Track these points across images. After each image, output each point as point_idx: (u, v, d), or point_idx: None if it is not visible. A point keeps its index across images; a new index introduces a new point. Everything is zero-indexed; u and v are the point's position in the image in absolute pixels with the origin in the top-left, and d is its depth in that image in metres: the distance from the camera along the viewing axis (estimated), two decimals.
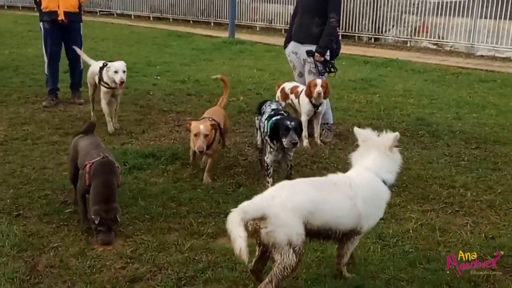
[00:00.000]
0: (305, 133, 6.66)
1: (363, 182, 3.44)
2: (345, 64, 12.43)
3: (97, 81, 7.16)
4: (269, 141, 5.17)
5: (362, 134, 3.64)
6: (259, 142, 5.74)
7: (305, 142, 6.64)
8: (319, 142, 6.75)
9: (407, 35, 17.97)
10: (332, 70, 6.86)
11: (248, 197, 4.86)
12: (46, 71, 8.47)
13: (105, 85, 6.97)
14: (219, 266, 3.81)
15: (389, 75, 11.73)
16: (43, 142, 6.50)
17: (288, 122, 4.93)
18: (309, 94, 6.49)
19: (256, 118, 5.78)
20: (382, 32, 18.49)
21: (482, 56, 15.45)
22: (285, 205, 3.13)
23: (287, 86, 7.00)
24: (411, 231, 4.37)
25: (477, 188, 5.35)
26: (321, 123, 6.87)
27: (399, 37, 18.09)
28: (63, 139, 6.61)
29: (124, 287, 3.54)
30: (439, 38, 17.23)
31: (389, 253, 4.03)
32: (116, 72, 6.82)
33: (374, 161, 3.50)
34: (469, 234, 4.38)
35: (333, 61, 6.90)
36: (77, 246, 4.05)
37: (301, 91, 6.73)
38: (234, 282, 3.61)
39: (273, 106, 5.51)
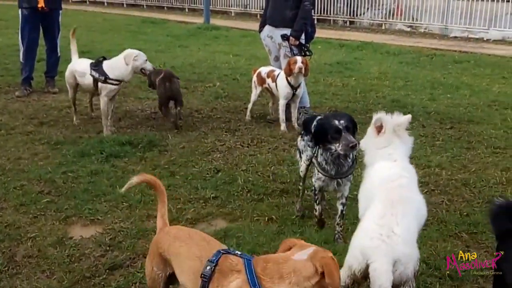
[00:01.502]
0: (282, 117, 6.69)
1: (413, 172, 3.36)
2: (320, 48, 12.47)
3: (87, 81, 6.34)
4: (316, 163, 4.05)
5: (387, 120, 3.35)
6: (302, 168, 4.45)
7: (283, 126, 6.67)
8: (296, 125, 6.77)
9: (382, 18, 18.07)
10: (307, 53, 6.87)
11: (227, 182, 4.94)
12: (21, 59, 8.32)
13: (114, 82, 6.24)
14: None
15: (364, 58, 11.80)
16: (17, 132, 6.40)
17: (337, 122, 3.74)
18: (288, 72, 6.46)
19: (299, 138, 4.50)
20: (357, 15, 18.54)
21: (455, 37, 15.62)
22: (407, 240, 2.84)
23: (264, 70, 6.99)
24: None
25: (452, 167, 5.44)
26: (298, 107, 6.89)
27: (374, 20, 18.18)
28: (38, 129, 6.52)
29: (103, 274, 3.53)
30: (413, 20, 17.35)
31: None
32: (146, 60, 6.38)
33: (403, 150, 3.37)
34: (444, 212, 4.46)
35: (308, 45, 6.92)
36: (55, 235, 4.02)
37: (278, 74, 6.73)
38: None
39: None
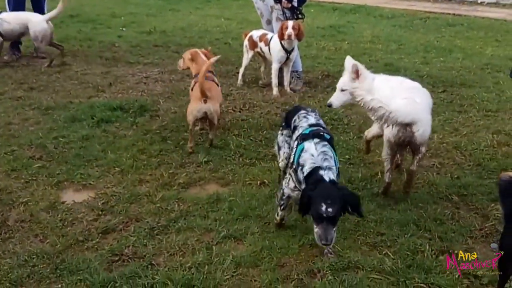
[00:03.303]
0: (275, 81, 6.64)
1: None
2: (313, 11, 12.33)
3: None
4: (294, 176, 3.42)
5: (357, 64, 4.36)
6: (281, 164, 3.91)
7: (275, 91, 6.62)
8: (288, 90, 6.74)
9: None
10: (300, 16, 6.78)
11: (219, 147, 4.95)
12: None
13: None
14: (191, 215, 3.84)
15: (357, 22, 11.69)
16: (7, 97, 6.33)
17: (324, 207, 3.00)
18: (281, 36, 6.40)
19: (280, 131, 3.96)
20: None
21: (449, 0, 15.45)
22: (425, 109, 3.90)
23: (255, 34, 6.90)
24: (379, 175, 4.44)
25: (444, 130, 5.45)
26: (290, 71, 6.83)
27: None
28: (28, 94, 6.45)
29: (97, 238, 3.55)
30: None
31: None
32: None
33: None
34: (435, 175, 4.48)
35: (300, 8, 6.82)
36: (47, 200, 4.02)
37: (271, 38, 6.64)
38: (207, 230, 3.65)
39: (312, 119, 3.63)
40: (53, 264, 3.25)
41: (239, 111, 6.04)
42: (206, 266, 3.23)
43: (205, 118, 4.85)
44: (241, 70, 7.05)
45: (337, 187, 3.16)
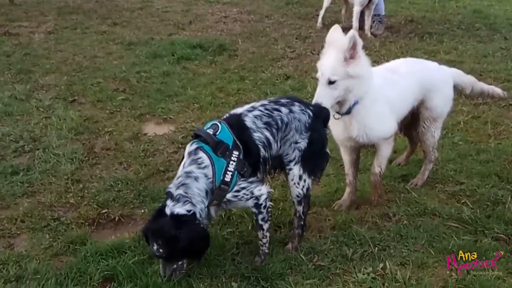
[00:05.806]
0: (356, 24, 6.46)
1: None
2: None
3: None
4: None
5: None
6: None
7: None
8: (369, 34, 6.55)
9: None
10: None
11: (296, 88, 4.92)
12: None
13: None
14: None
15: None
16: (92, 31, 6.55)
17: (155, 247, 2.51)
18: None
19: None
20: None
21: None
22: None
23: None
24: (461, 124, 4.30)
25: None
26: (372, 15, 6.62)
27: None
28: (111, 29, 6.64)
29: (177, 169, 3.67)
30: None
31: (438, 144, 3.99)
32: None
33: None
34: None
35: None
36: (130, 131, 4.19)
37: None
38: None
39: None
40: (136, 191, 3.42)
41: (318, 54, 5.91)
42: (281, 203, 3.28)
43: None
44: (321, 12, 6.90)
45: (175, 225, 2.47)
